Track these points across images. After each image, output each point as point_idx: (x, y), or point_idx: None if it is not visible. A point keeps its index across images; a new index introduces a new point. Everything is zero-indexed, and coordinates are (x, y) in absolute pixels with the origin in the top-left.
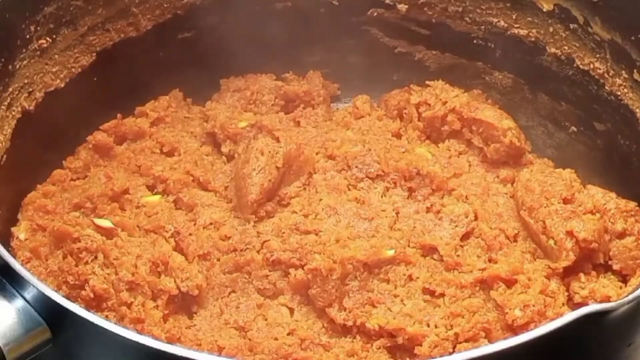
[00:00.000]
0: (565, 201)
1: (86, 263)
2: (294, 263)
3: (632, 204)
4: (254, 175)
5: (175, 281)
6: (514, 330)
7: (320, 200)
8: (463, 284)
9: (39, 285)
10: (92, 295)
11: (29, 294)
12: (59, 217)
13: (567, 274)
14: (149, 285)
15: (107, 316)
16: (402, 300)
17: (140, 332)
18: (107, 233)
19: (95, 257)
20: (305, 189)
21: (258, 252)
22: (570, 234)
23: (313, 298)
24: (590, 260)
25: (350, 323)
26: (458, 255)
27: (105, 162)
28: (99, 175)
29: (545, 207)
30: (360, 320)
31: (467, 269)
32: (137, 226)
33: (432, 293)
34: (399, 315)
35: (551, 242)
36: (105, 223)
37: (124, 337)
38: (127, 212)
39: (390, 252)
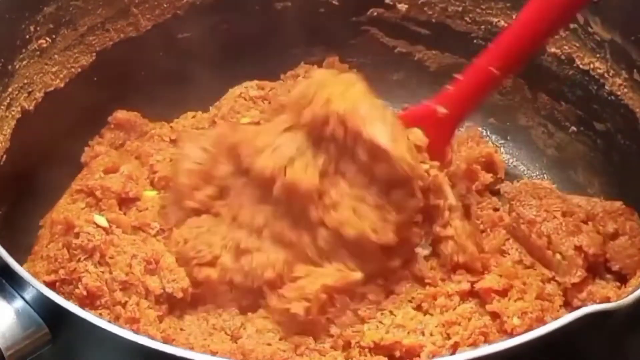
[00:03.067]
0: (564, 214)
1: (79, 261)
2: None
3: (617, 204)
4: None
5: (161, 281)
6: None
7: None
8: (450, 292)
9: (38, 285)
10: (85, 293)
11: (29, 294)
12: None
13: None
14: (142, 285)
15: (101, 314)
16: (390, 312)
17: (136, 332)
18: (104, 230)
19: (90, 256)
20: None
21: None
22: (579, 249)
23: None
24: (595, 271)
25: (344, 343)
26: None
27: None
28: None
29: (548, 221)
30: (354, 340)
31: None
32: (131, 225)
33: (418, 306)
34: (391, 327)
35: (558, 256)
36: (101, 221)
37: (123, 338)
38: (123, 208)
39: (357, 275)
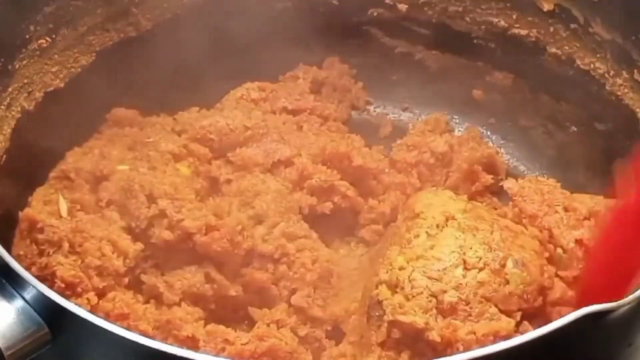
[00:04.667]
0: (566, 209)
1: (49, 255)
2: None
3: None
4: None
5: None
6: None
7: None
8: None
9: (38, 285)
10: (63, 285)
11: (29, 294)
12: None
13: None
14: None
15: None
16: None
17: (128, 328)
18: (69, 217)
19: (59, 247)
20: None
21: None
22: (580, 242)
23: None
24: None
25: None
26: None
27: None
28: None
29: (549, 215)
30: None
31: None
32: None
33: None
34: None
35: (559, 250)
36: (62, 205)
37: (123, 337)
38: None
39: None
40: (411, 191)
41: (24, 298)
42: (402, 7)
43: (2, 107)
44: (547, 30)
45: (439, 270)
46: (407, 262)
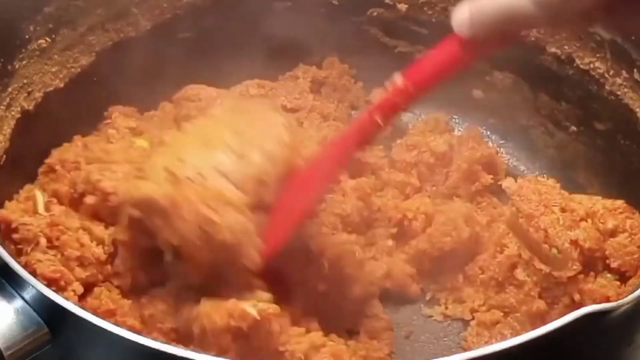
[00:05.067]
0: (563, 210)
1: (27, 254)
2: None
3: (619, 202)
4: None
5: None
6: None
7: None
8: None
9: (38, 285)
10: (45, 282)
11: (28, 294)
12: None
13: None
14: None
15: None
16: None
17: (117, 324)
18: (45, 211)
19: (36, 244)
20: None
21: None
22: (575, 243)
23: None
24: (592, 267)
25: None
26: None
27: None
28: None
29: (545, 215)
30: None
31: None
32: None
33: None
34: None
35: (554, 250)
36: (39, 199)
37: (123, 338)
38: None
39: None
40: (410, 191)
41: (23, 298)
42: (402, 7)
43: (2, 107)
44: (547, 30)
45: (180, 152)
46: (157, 151)
